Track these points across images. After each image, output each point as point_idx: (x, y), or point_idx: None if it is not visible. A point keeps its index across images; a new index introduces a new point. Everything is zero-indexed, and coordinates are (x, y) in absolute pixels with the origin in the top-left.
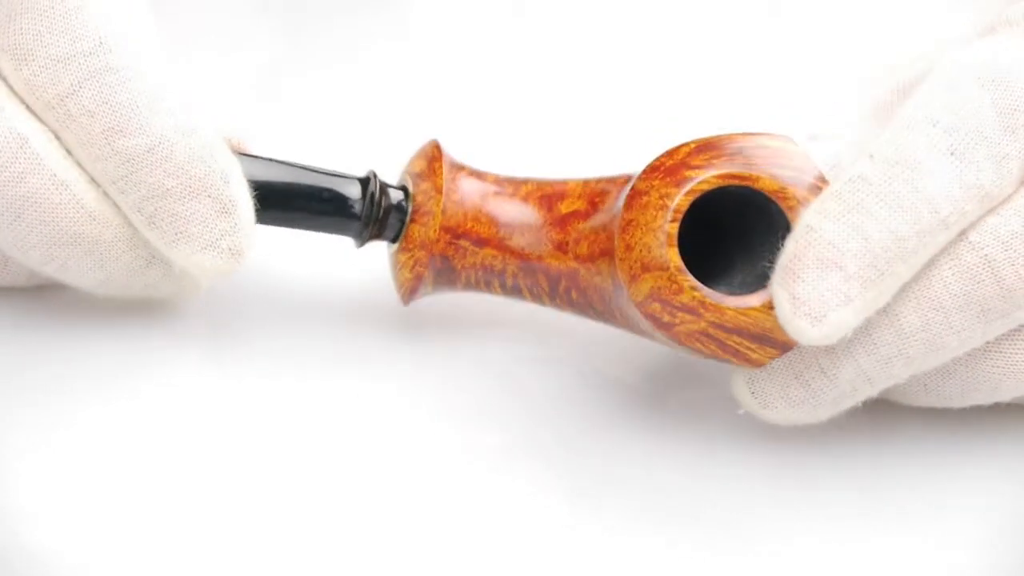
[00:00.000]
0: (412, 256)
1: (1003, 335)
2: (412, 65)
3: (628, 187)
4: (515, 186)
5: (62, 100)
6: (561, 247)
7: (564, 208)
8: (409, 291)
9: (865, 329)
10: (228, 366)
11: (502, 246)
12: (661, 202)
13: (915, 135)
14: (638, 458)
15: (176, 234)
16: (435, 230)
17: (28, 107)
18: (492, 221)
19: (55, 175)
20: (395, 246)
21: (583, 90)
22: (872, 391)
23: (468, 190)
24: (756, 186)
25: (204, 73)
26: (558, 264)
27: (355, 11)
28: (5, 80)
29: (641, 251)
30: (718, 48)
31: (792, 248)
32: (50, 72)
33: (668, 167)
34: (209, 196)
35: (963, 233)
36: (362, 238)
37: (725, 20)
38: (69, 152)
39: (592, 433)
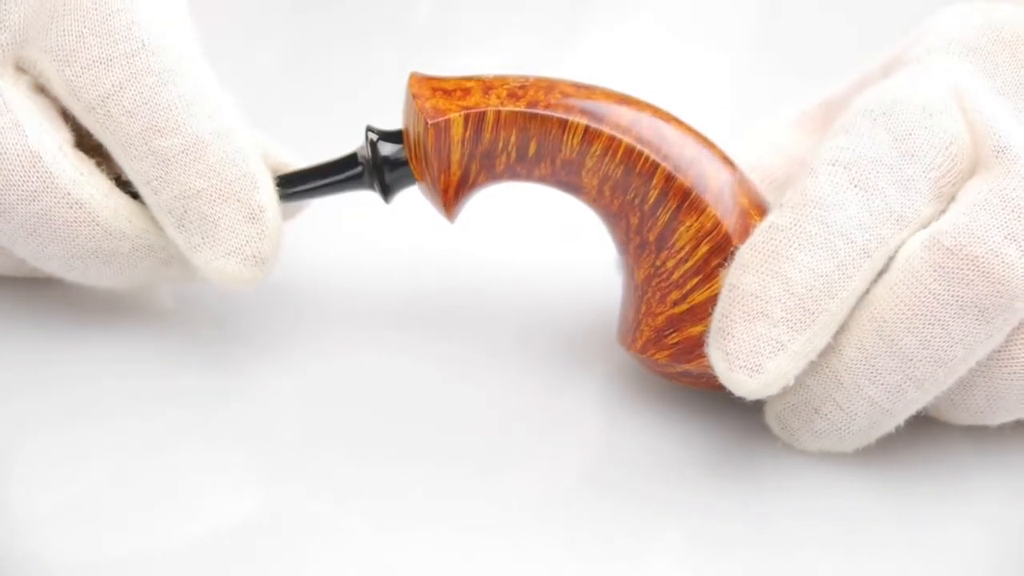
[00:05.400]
0: (432, 191)
1: (1013, 335)
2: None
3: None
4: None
5: (103, 101)
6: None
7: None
8: (452, 214)
9: (866, 360)
10: (235, 368)
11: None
12: (652, 368)
13: (817, 178)
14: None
15: (203, 236)
16: (435, 173)
17: (61, 113)
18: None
19: (69, 194)
20: (419, 184)
21: None
22: (895, 421)
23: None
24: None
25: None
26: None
27: (359, 9)
28: (49, 86)
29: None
30: (718, 48)
31: (719, 309)
32: (92, 73)
33: (657, 373)
34: (238, 200)
35: (935, 239)
36: (382, 194)
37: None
38: (99, 162)
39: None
